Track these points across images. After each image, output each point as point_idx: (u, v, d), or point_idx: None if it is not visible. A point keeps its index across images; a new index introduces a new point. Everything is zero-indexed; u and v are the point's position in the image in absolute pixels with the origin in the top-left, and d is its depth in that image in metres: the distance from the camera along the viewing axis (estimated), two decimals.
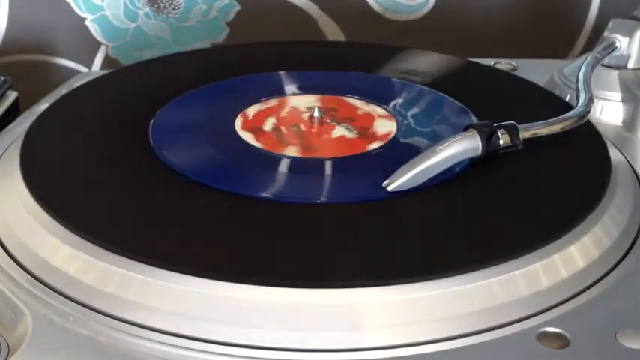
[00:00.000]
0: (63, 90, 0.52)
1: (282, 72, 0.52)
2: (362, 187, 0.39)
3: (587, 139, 0.43)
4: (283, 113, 0.46)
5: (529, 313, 0.33)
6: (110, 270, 0.33)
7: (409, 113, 0.46)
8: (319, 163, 0.41)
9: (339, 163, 0.41)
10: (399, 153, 0.42)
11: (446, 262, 0.33)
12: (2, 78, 0.55)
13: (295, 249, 0.34)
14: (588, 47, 0.72)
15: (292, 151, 0.42)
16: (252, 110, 0.46)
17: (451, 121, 0.46)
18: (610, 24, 0.51)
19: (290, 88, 0.50)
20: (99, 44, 0.73)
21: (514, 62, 0.58)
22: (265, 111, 0.47)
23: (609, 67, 0.51)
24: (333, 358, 0.31)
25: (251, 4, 0.72)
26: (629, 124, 0.48)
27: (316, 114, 0.45)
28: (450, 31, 0.73)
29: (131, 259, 0.34)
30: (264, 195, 0.38)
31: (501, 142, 0.40)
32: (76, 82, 0.54)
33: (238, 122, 0.45)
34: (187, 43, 0.73)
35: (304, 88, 0.50)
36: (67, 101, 0.49)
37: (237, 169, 0.40)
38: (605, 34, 0.51)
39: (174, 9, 0.71)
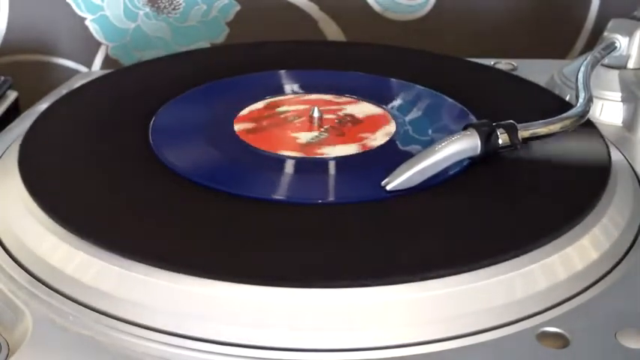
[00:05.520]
0: (63, 90, 0.52)
1: (281, 72, 0.52)
2: (361, 187, 0.39)
3: (588, 138, 0.43)
4: (283, 113, 0.46)
5: (529, 313, 0.33)
6: (110, 270, 0.33)
7: (409, 113, 0.47)
8: (319, 163, 0.41)
9: (339, 163, 0.41)
10: (398, 153, 0.42)
11: (445, 262, 0.33)
12: (2, 78, 0.55)
13: (295, 249, 0.34)
14: (588, 47, 0.72)
15: (292, 152, 0.42)
16: (251, 110, 0.46)
17: (450, 120, 0.46)
18: (610, 24, 0.51)
19: (290, 87, 0.50)
20: (99, 44, 0.73)
21: (514, 62, 0.58)
22: (265, 111, 0.47)
23: (609, 67, 0.51)
24: (334, 358, 0.31)
25: (251, 4, 0.72)
26: (629, 124, 0.48)
27: (316, 113, 0.45)
28: (450, 31, 0.73)
29: (131, 259, 0.34)
30: (264, 195, 0.38)
31: (500, 141, 0.40)
32: (76, 82, 0.54)
33: (238, 122, 0.45)
34: (187, 43, 0.73)
35: (304, 88, 0.50)
36: (67, 101, 0.49)
37: (236, 169, 0.40)
38: (605, 34, 0.51)
39: (174, 9, 0.71)
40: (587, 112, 0.44)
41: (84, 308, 0.33)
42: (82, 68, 0.74)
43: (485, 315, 0.32)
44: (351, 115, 0.46)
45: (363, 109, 0.47)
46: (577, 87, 0.46)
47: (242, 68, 0.52)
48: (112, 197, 0.38)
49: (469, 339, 0.32)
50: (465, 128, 0.40)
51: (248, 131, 0.44)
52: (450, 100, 0.48)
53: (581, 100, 0.45)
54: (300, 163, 0.41)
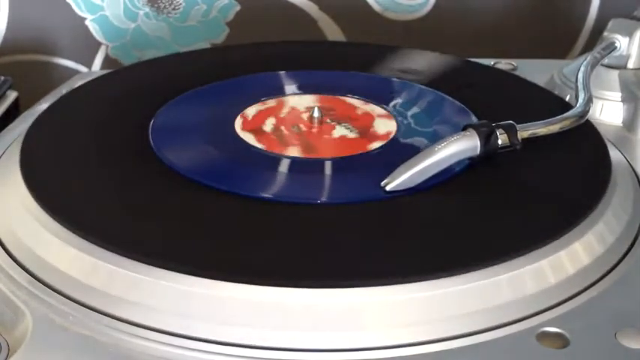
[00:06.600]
0: (63, 90, 0.52)
1: (282, 72, 0.52)
2: (361, 187, 0.39)
3: (587, 138, 0.43)
4: (283, 113, 0.46)
5: (529, 313, 0.33)
6: (110, 270, 0.33)
7: (409, 113, 0.47)
8: (319, 164, 0.41)
9: (339, 163, 0.41)
10: (398, 153, 0.42)
11: (445, 262, 0.33)
12: (2, 78, 0.55)
13: (295, 249, 0.34)
14: (588, 47, 0.72)
15: (292, 152, 0.42)
16: (252, 110, 0.46)
17: (450, 120, 0.46)
18: (610, 24, 0.51)
19: (290, 88, 0.50)
20: (99, 44, 0.73)
21: (514, 62, 0.58)
22: (265, 111, 0.47)
23: (609, 67, 0.51)
24: (333, 358, 0.31)
25: (251, 4, 0.72)
26: (629, 124, 0.48)
27: (316, 114, 0.45)
28: (450, 31, 0.73)
29: (131, 259, 0.33)
30: (264, 195, 0.38)
31: (500, 141, 0.40)
32: (76, 82, 0.54)
33: (238, 122, 0.45)
34: (187, 43, 0.73)
35: (304, 88, 0.50)
36: (67, 101, 0.49)
37: (237, 169, 0.40)
38: (605, 34, 0.51)
39: (174, 9, 0.71)
40: (587, 112, 0.44)
41: (84, 308, 0.33)
42: (82, 68, 0.74)
43: (485, 315, 0.32)
44: (352, 115, 0.46)
45: (363, 108, 0.47)
46: (577, 87, 0.46)
47: (242, 68, 0.52)
48: (112, 197, 0.38)
49: (469, 339, 0.32)
50: (464, 128, 0.40)
51: (248, 131, 0.44)
52: (450, 99, 0.48)
53: (580, 100, 0.45)
54: (300, 163, 0.41)
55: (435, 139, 0.41)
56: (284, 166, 0.41)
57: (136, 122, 0.45)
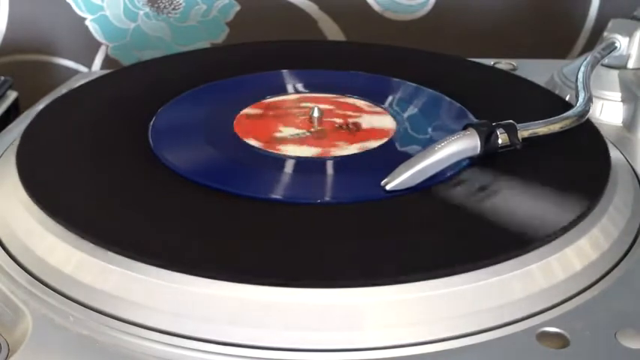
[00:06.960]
0: (63, 90, 0.52)
1: (281, 72, 0.52)
2: (361, 187, 0.39)
3: (587, 138, 0.43)
4: (283, 113, 0.46)
5: (529, 313, 0.33)
6: (110, 270, 0.33)
7: (408, 113, 0.46)
8: (318, 163, 0.41)
9: (339, 163, 0.41)
10: (398, 152, 0.42)
11: (445, 262, 0.33)
12: (2, 78, 0.55)
13: (295, 249, 0.34)
14: (588, 47, 0.72)
15: (292, 151, 0.42)
16: (251, 110, 0.46)
17: (450, 120, 0.46)
18: (610, 24, 0.51)
19: (290, 87, 0.50)
20: (99, 44, 0.73)
21: (514, 62, 0.58)
22: (265, 111, 0.47)
23: (609, 67, 0.51)
24: (333, 358, 0.31)
25: (251, 4, 0.72)
26: (629, 124, 0.48)
27: (315, 113, 0.45)
28: (450, 31, 0.73)
29: (131, 259, 0.34)
30: (264, 195, 0.38)
31: (500, 141, 0.40)
32: (76, 82, 0.54)
33: (238, 122, 0.45)
34: (187, 43, 0.73)
35: (304, 88, 0.50)
36: (66, 101, 0.49)
37: (236, 169, 0.40)
38: (605, 34, 0.51)
39: (174, 9, 0.71)
40: (587, 112, 0.44)
41: (84, 308, 0.33)
42: (82, 68, 0.74)
43: (485, 315, 0.32)
44: (351, 115, 0.46)
45: (362, 108, 0.47)
46: (577, 87, 0.46)
47: (242, 68, 0.52)
48: (112, 197, 0.38)
49: (469, 339, 0.32)
50: (464, 128, 0.40)
51: (248, 131, 0.44)
52: (450, 100, 0.48)
53: (580, 100, 0.45)
54: (299, 163, 0.41)
55: (435, 139, 0.41)
56: (283, 167, 0.41)
57: (136, 122, 0.45)
